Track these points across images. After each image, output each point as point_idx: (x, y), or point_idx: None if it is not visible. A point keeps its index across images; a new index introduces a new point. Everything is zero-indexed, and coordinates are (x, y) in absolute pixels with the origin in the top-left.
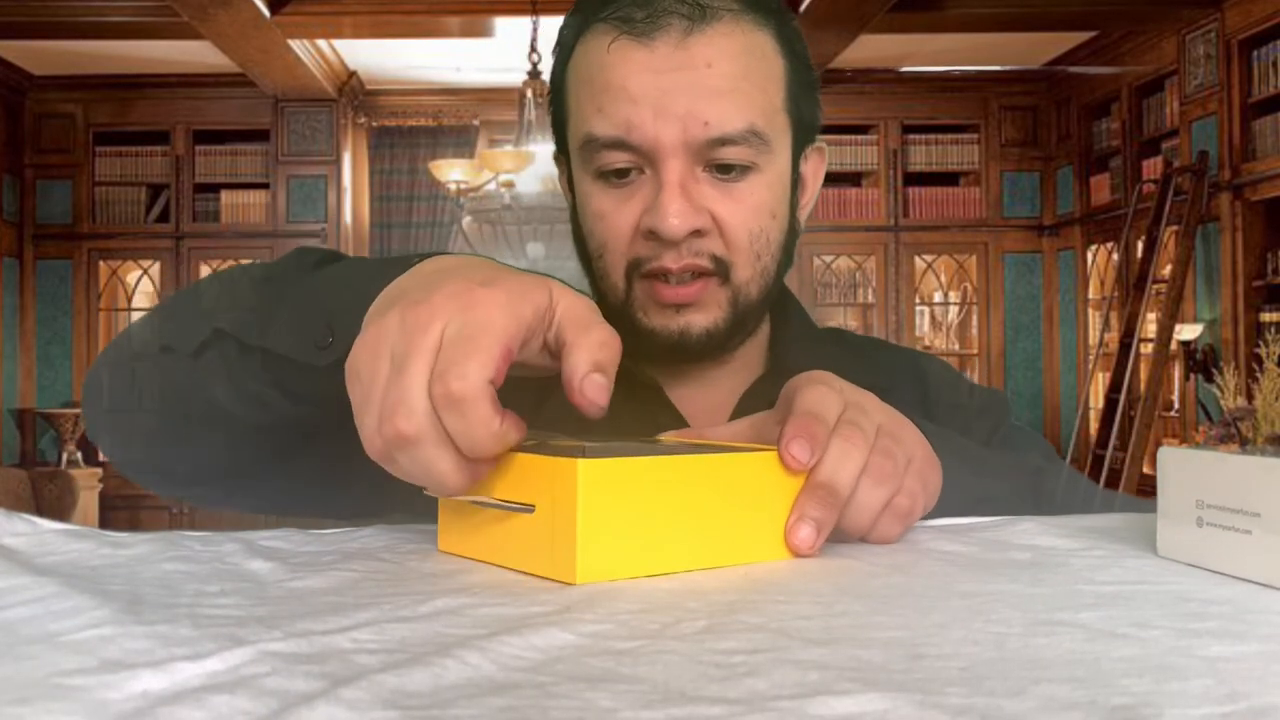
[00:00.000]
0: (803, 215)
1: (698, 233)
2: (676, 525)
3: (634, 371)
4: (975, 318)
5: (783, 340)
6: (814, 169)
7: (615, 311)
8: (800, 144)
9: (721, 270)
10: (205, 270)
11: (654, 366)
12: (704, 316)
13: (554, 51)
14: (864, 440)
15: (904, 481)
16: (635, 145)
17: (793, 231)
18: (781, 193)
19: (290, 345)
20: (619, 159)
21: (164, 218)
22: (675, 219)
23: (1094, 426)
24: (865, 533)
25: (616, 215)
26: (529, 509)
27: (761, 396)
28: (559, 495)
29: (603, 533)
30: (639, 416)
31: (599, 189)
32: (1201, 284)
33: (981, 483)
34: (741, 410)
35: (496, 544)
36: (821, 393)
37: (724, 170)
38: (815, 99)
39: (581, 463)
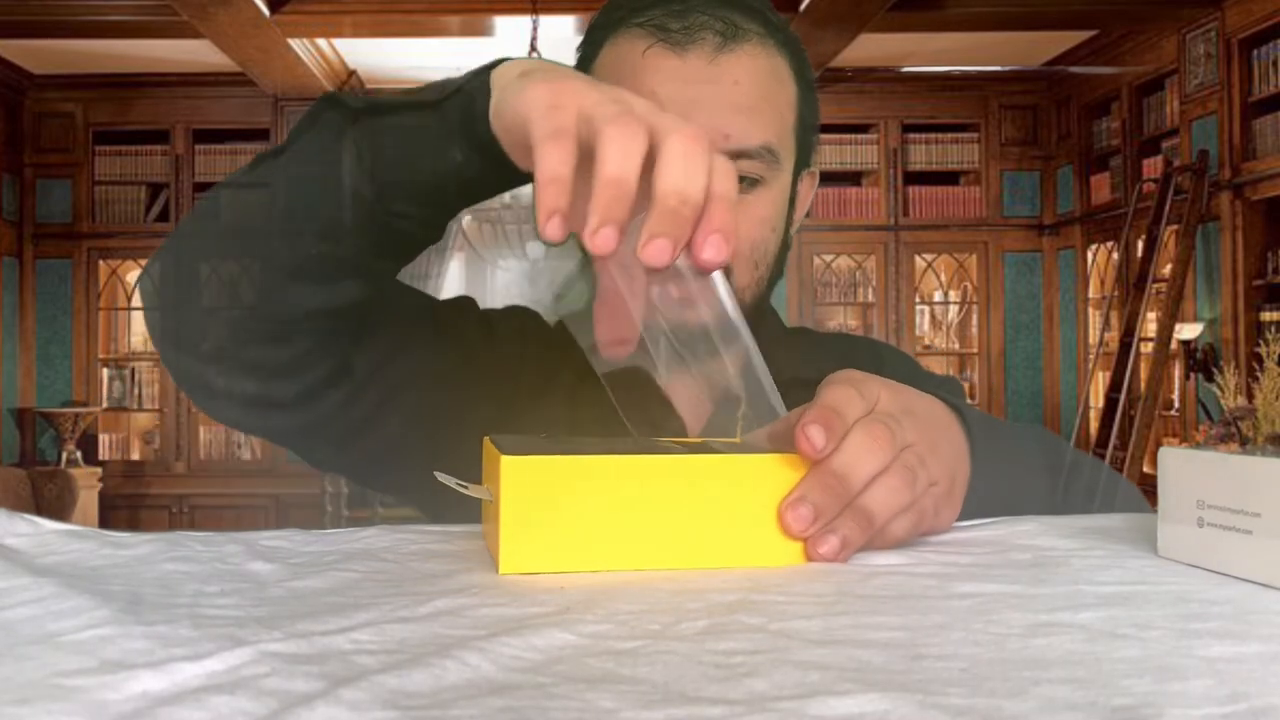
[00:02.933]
0: (793, 231)
1: None
2: (609, 524)
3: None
4: (975, 317)
5: (758, 337)
6: (806, 190)
7: None
8: (800, 166)
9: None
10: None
11: None
12: (697, 316)
13: (579, 47)
14: (889, 442)
15: (916, 501)
16: None
17: (785, 245)
18: (782, 208)
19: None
20: None
21: (164, 217)
22: None
23: (1094, 426)
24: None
25: None
26: (490, 498)
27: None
28: (498, 488)
29: (526, 527)
30: (633, 407)
31: None
32: (1201, 283)
33: (1014, 485)
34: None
35: (489, 531)
36: (846, 392)
37: None
38: (816, 125)
39: (504, 459)
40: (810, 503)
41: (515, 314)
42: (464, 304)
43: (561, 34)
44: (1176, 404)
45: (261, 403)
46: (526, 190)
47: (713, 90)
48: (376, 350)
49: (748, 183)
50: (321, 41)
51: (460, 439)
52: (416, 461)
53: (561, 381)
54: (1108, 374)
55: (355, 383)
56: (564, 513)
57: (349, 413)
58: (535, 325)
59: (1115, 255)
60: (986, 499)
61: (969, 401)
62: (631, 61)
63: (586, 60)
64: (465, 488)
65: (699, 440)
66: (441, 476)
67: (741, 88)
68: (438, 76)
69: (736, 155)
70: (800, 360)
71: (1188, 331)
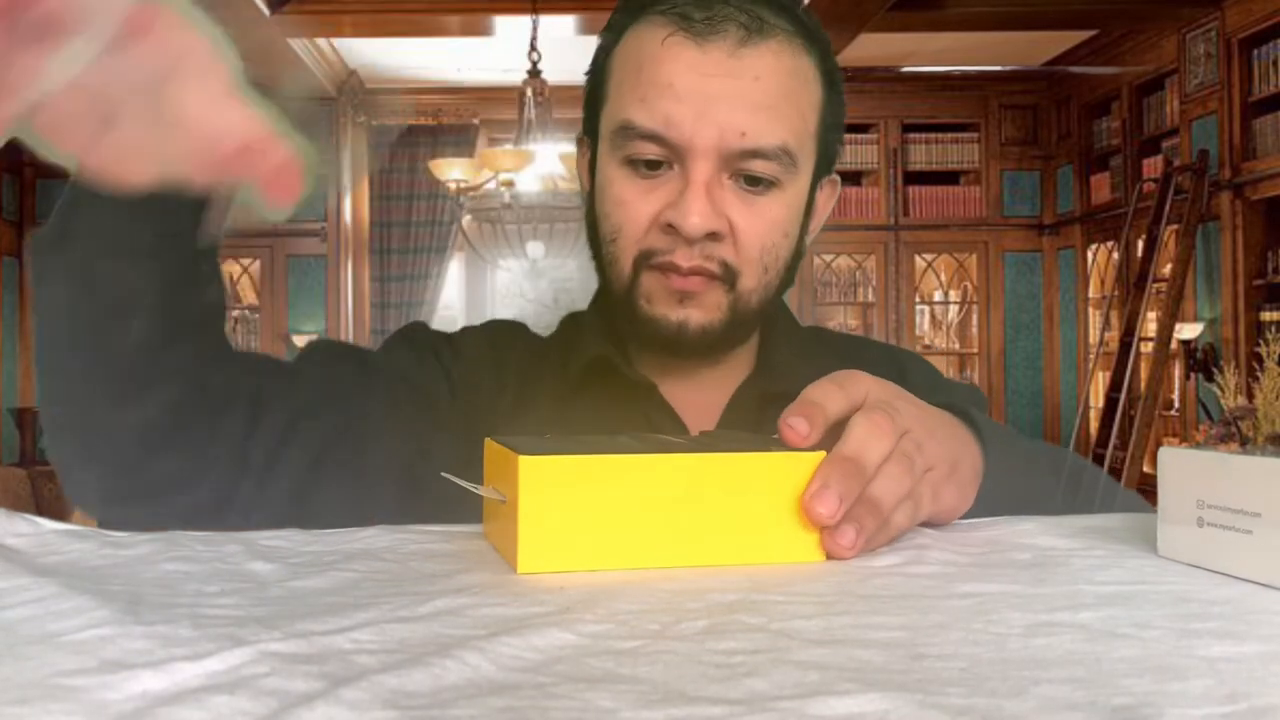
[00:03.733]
0: (808, 239)
1: (713, 236)
2: (627, 523)
3: (630, 370)
4: (975, 317)
5: (769, 340)
6: (826, 198)
7: (619, 299)
8: (820, 172)
9: (729, 277)
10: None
11: (650, 358)
12: (703, 314)
13: (601, 33)
14: (891, 426)
15: (914, 487)
16: (670, 141)
17: (798, 253)
18: (797, 213)
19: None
20: (651, 150)
21: None
22: (697, 218)
23: (1094, 426)
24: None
25: (638, 204)
26: (503, 499)
27: (750, 394)
28: (514, 488)
29: (544, 526)
30: (634, 413)
31: (624, 175)
32: (1202, 283)
33: (1028, 483)
34: (732, 407)
35: (496, 531)
36: (825, 388)
37: (750, 182)
38: (840, 134)
39: (522, 459)
40: (834, 487)
41: (495, 331)
42: (409, 339)
43: (561, 34)
44: (1176, 404)
45: (170, 487)
46: (527, 190)
47: (732, 85)
48: (272, 431)
49: (763, 184)
50: (321, 41)
51: (428, 475)
52: (388, 503)
53: (548, 390)
54: (1108, 374)
55: (262, 458)
56: (581, 512)
57: (272, 484)
58: (521, 338)
59: (1115, 255)
60: (998, 496)
61: None
62: (650, 49)
63: (607, 48)
64: (476, 489)
65: (704, 436)
66: (446, 476)
67: (762, 84)
68: (438, 76)
69: (752, 154)
70: (808, 365)
71: (1188, 331)
